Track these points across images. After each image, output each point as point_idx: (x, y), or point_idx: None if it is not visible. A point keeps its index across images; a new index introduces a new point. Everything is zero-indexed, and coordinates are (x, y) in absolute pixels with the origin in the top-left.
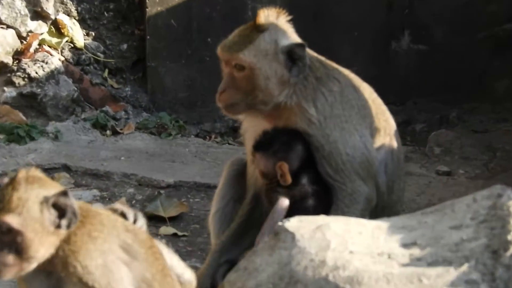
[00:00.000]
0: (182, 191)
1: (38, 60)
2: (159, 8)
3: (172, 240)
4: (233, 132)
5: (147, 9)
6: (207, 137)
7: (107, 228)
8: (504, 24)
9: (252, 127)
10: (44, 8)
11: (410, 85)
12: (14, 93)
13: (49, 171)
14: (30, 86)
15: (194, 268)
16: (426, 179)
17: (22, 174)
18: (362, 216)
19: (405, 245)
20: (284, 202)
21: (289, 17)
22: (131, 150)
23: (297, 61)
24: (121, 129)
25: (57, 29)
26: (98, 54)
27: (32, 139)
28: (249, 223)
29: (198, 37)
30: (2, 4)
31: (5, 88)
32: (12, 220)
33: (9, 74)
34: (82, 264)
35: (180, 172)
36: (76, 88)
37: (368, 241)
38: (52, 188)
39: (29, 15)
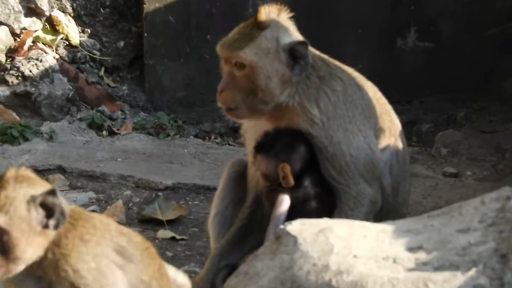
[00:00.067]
0: (181, 194)
1: (32, 58)
2: (157, 5)
3: (170, 244)
4: (233, 132)
5: (144, 6)
6: (207, 137)
7: (100, 231)
8: None
9: (253, 127)
10: (38, 5)
11: (416, 83)
12: (7, 92)
13: (43, 172)
14: (24, 85)
15: (193, 272)
16: (432, 181)
17: (11, 172)
18: (367, 219)
19: (411, 249)
20: (284, 198)
21: (291, 14)
22: (128, 151)
23: (299, 59)
24: (117, 130)
25: (52, 26)
26: (94, 51)
27: (26, 139)
28: (249, 227)
29: (197, 34)
30: None
31: None
32: None
33: (2, 73)
34: (73, 268)
35: (178, 174)
36: (71, 87)
37: (373, 245)
38: (41, 187)
39: (22, 11)
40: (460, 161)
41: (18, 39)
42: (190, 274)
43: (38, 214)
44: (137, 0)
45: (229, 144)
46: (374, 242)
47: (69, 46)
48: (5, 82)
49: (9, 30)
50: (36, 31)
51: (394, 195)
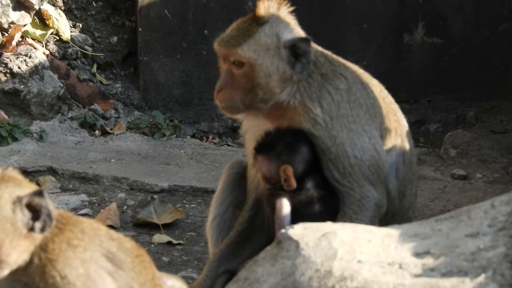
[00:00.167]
0: (177, 196)
1: (21, 54)
2: None
3: (166, 249)
4: (232, 132)
5: None
6: (204, 137)
7: (88, 236)
8: None
9: (253, 127)
10: None
11: (423, 81)
12: None
13: (33, 174)
14: (12, 82)
15: (190, 279)
16: (440, 184)
17: None
18: (372, 223)
19: (418, 254)
20: (283, 202)
21: (292, 8)
22: (122, 152)
23: (301, 56)
24: (111, 129)
25: (41, 20)
26: (86, 47)
27: (15, 139)
28: (250, 231)
29: (194, 29)
30: None
31: None
32: None
33: None
34: (61, 274)
35: (175, 176)
36: (62, 85)
37: (378, 250)
38: (28, 188)
39: (11, 5)
40: (469, 162)
41: (6, 34)
42: (187, 280)
43: (23, 216)
44: None
45: (228, 145)
46: (379, 247)
47: (60, 42)
48: None
49: None
50: (25, 25)
51: (400, 198)
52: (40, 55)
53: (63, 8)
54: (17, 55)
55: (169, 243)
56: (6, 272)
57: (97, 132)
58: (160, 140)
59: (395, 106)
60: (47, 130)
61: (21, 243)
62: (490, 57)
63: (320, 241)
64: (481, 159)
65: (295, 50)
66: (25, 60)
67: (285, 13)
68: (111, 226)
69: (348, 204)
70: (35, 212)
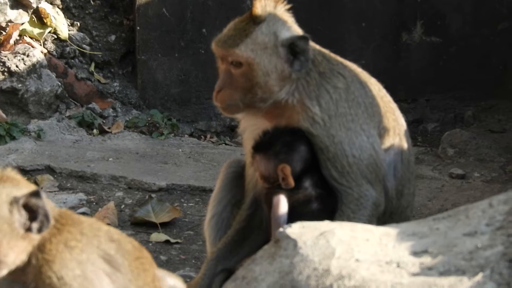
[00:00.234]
0: (175, 195)
1: (19, 53)
2: None
3: (164, 248)
4: (230, 131)
5: None
6: (202, 136)
7: (86, 238)
8: None
9: (251, 126)
10: None
11: (422, 80)
12: None
13: (31, 173)
14: (10, 80)
15: (188, 277)
16: (438, 183)
17: None
18: (369, 222)
19: (416, 253)
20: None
21: (288, 6)
22: (119, 151)
23: (299, 54)
24: (109, 128)
25: (39, 18)
26: (84, 46)
27: (13, 138)
28: (248, 230)
29: (192, 27)
30: None
31: None
32: None
33: None
34: (57, 275)
35: (172, 175)
36: (60, 83)
37: (376, 249)
38: (26, 188)
39: (8, 3)
40: (467, 162)
41: (4, 33)
42: (185, 279)
43: (21, 216)
44: None
45: (226, 144)
46: (377, 246)
47: (58, 40)
48: None
49: None
50: (22, 24)
51: (398, 197)
52: (38, 53)
53: (61, 6)
54: (15, 53)
55: (167, 242)
56: (4, 272)
57: (95, 131)
58: (158, 139)
59: (393, 105)
60: (45, 129)
61: (18, 244)
62: (489, 56)
63: (318, 240)
64: (479, 158)
65: (294, 48)
66: (23, 59)
67: (282, 11)
68: (108, 225)
69: (346, 203)
70: (32, 212)
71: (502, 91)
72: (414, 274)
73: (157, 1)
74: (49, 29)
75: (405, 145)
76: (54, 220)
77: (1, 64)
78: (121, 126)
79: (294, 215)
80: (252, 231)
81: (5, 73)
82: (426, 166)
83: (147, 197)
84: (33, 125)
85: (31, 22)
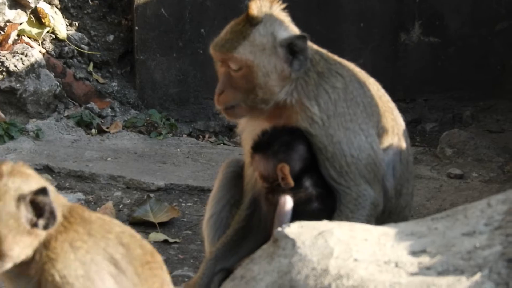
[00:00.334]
0: (174, 195)
1: (17, 53)
2: None
3: (162, 247)
4: (228, 131)
5: None
6: (201, 136)
7: (94, 239)
8: None
9: (250, 126)
10: None
11: (420, 80)
12: None
13: None
14: (8, 80)
15: (187, 277)
16: (437, 183)
17: (6, 166)
18: (368, 222)
19: (414, 253)
20: (286, 199)
21: (284, 6)
22: (118, 151)
23: (298, 54)
24: (107, 128)
25: (38, 18)
26: (82, 46)
27: (11, 138)
28: (246, 230)
29: (190, 27)
30: None
31: None
32: None
33: None
34: (60, 273)
35: (171, 175)
36: (58, 83)
37: (374, 249)
38: (36, 184)
39: (7, 3)
40: (465, 162)
41: (2, 33)
42: (184, 278)
43: (27, 212)
44: None
45: (224, 144)
46: (375, 246)
47: (56, 40)
48: None
49: None
50: (21, 24)
51: (397, 197)
52: (36, 53)
53: (59, 6)
54: (13, 53)
55: (165, 241)
56: (9, 265)
57: (93, 130)
58: (157, 138)
59: (392, 105)
60: (44, 129)
61: (23, 239)
62: (487, 57)
63: (317, 239)
64: (477, 158)
65: (292, 48)
66: (21, 59)
67: (278, 11)
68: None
69: (345, 203)
70: (39, 209)
71: (501, 91)
72: (413, 274)
73: (156, 1)
74: (47, 29)
75: (403, 144)
76: (62, 217)
77: (0, 64)
78: (119, 126)
79: (294, 215)
80: (250, 231)
81: (4, 73)
82: (424, 166)
83: (145, 196)
84: (32, 124)
85: (29, 22)
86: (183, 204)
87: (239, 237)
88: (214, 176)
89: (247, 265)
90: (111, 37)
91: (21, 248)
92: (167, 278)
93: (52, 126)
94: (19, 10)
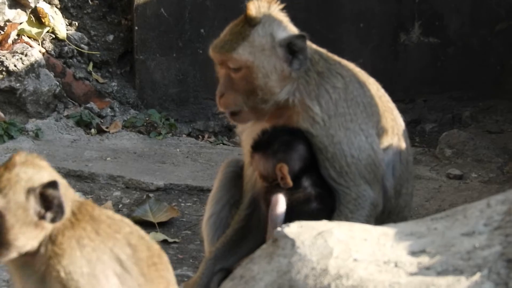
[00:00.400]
0: (173, 195)
1: (17, 52)
2: None
3: (162, 247)
4: (228, 131)
5: None
6: (200, 136)
7: (101, 238)
8: None
9: (249, 126)
10: None
11: (419, 81)
12: None
13: None
14: (8, 80)
15: (186, 277)
16: (436, 183)
17: (20, 156)
18: (367, 222)
19: (413, 253)
20: (279, 198)
21: (282, 6)
22: (117, 150)
23: (298, 53)
24: (107, 128)
25: (37, 18)
26: (82, 45)
27: (11, 137)
28: (246, 230)
29: (190, 27)
30: None
31: None
32: None
33: None
34: (65, 270)
35: (170, 174)
36: (58, 83)
37: (374, 249)
38: (47, 176)
39: (6, 3)
40: (465, 162)
41: (2, 32)
42: (183, 278)
43: (36, 204)
44: None
45: (224, 144)
46: (375, 246)
47: (56, 40)
48: None
49: None
50: (21, 23)
51: (397, 197)
52: (36, 53)
53: (59, 6)
54: (13, 53)
55: (165, 241)
56: (13, 255)
57: (93, 130)
58: (156, 138)
59: (392, 105)
60: (43, 128)
61: (30, 230)
62: (487, 57)
63: (316, 239)
64: (476, 159)
65: (292, 48)
66: (21, 58)
67: (277, 11)
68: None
69: (344, 203)
70: (48, 201)
71: (500, 92)
72: (412, 274)
73: (155, 1)
74: (47, 28)
75: (403, 144)
76: (71, 213)
77: (0, 63)
78: (119, 126)
79: (293, 214)
80: (250, 231)
81: (3, 73)
82: (423, 166)
83: (144, 196)
84: (31, 124)
85: (29, 22)
86: (182, 204)
87: (238, 237)
88: (214, 176)
89: (247, 264)
90: (111, 37)
91: (26, 239)
92: (172, 279)
93: (51, 126)
94: (19, 10)
